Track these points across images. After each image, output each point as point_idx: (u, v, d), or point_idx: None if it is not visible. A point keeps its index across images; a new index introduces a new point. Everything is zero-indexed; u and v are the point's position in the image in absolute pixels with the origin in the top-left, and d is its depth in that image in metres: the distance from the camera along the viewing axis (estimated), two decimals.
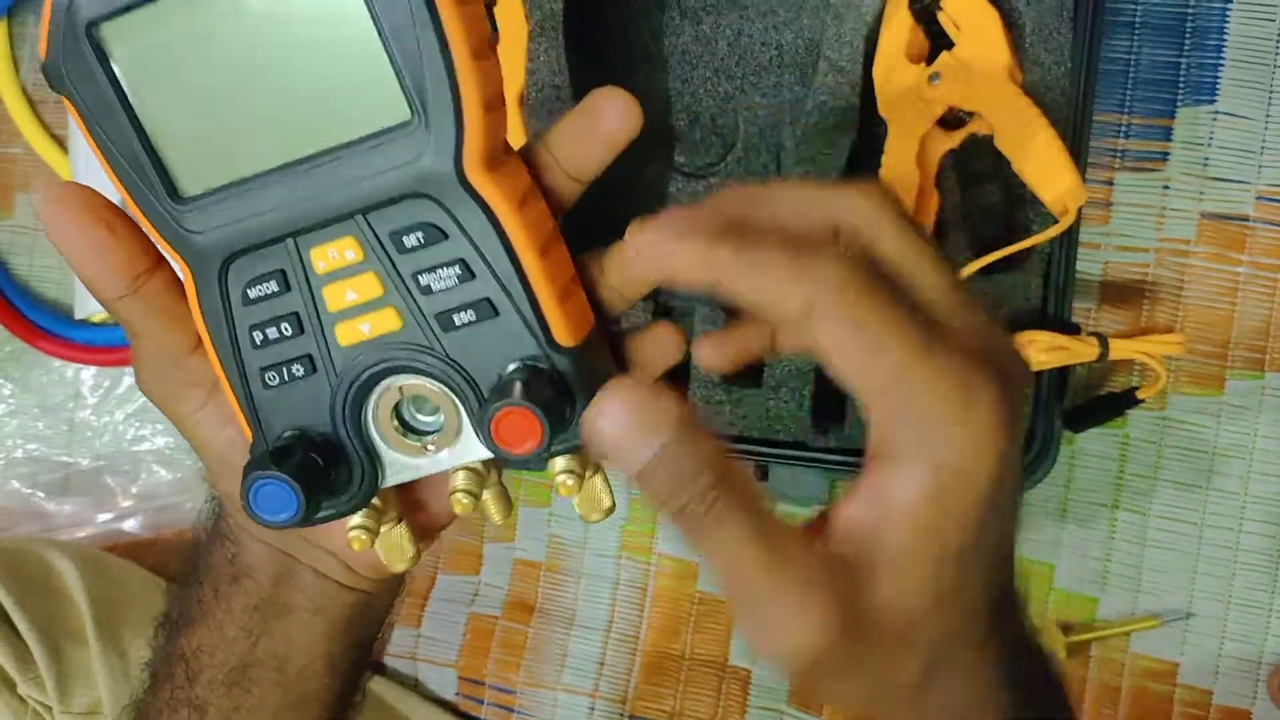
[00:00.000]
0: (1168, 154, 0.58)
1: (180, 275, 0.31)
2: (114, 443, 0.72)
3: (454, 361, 0.30)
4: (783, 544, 0.26)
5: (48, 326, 0.72)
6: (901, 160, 0.52)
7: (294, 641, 0.38)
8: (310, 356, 0.30)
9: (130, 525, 0.72)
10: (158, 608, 0.62)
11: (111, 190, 0.30)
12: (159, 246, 0.30)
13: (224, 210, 0.29)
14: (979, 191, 0.55)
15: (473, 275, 0.29)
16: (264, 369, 0.31)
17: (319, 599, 0.38)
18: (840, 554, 0.27)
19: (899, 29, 0.52)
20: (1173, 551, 0.58)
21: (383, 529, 0.34)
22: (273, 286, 0.30)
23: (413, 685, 0.67)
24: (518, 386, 0.28)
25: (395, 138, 0.28)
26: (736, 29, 0.58)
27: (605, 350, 0.31)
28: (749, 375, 0.57)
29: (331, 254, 0.29)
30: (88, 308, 0.70)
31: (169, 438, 0.72)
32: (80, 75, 0.28)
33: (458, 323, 0.29)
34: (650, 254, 0.28)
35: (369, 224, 0.29)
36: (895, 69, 0.53)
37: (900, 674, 0.28)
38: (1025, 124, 0.50)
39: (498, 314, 0.29)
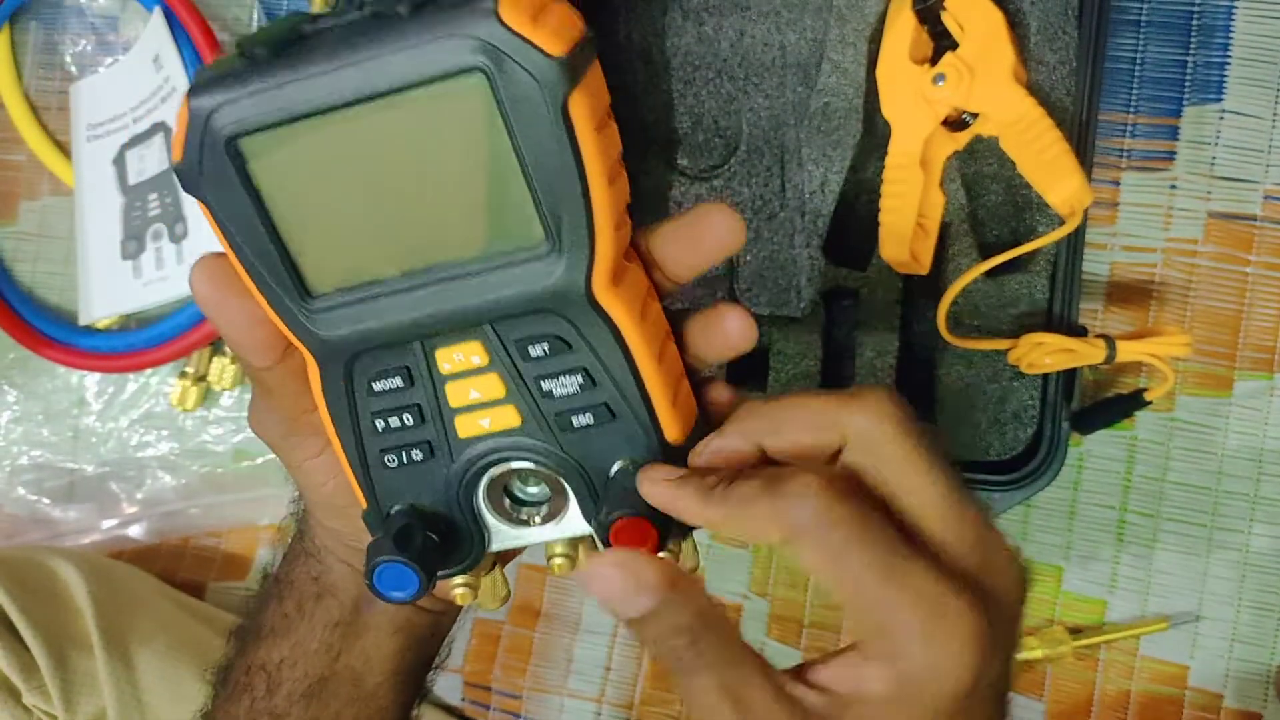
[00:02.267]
0: (1174, 153, 0.57)
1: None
2: (119, 449, 0.72)
3: (569, 456, 0.32)
4: (752, 695, 0.29)
5: (52, 333, 0.72)
6: (906, 162, 0.52)
7: (371, 658, 0.41)
8: (429, 443, 0.32)
9: (135, 531, 0.72)
10: (163, 615, 0.63)
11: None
12: (287, 337, 0.31)
13: (352, 311, 0.30)
14: (984, 193, 0.54)
15: (594, 383, 0.31)
16: (383, 451, 0.32)
17: (397, 619, 0.41)
18: (807, 707, 0.29)
19: (902, 30, 0.52)
20: (1182, 554, 0.57)
21: (481, 578, 0.36)
22: (397, 382, 0.31)
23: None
24: (635, 496, 0.31)
25: (527, 257, 0.28)
26: (739, 30, 0.58)
27: (704, 429, 0.33)
28: (754, 378, 0.57)
29: (457, 357, 0.31)
30: (92, 314, 0.70)
31: (173, 443, 0.72)
32: (217, 182, 0.28)
33: (576, 425, 0.31)
34: (658, 499, 0.31)
35: (496, 332, 0.30)
36: (899, 70, 0.52)
37: None
38: (1030, 125, 0.49)
39: (615, 417, 0.31)
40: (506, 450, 0.32)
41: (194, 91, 0.27)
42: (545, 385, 0.31)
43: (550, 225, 0.28)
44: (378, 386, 0.31)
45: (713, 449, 0.32)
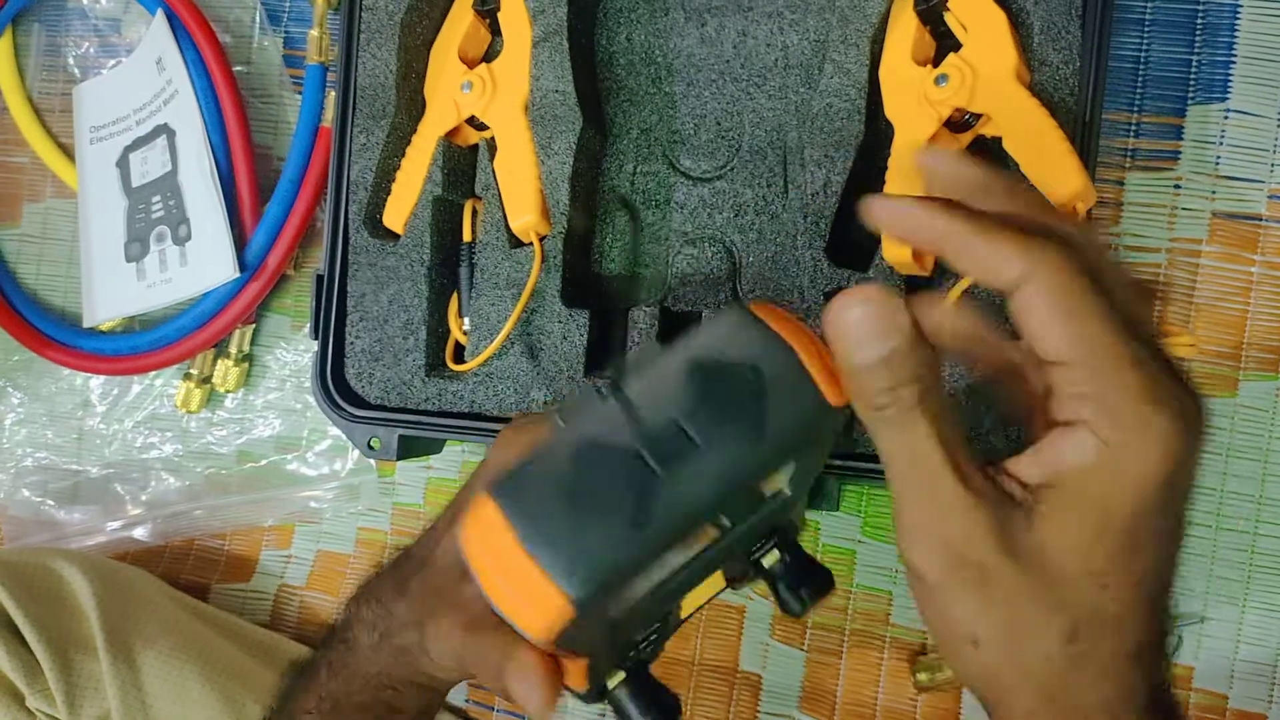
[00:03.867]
0: (1179, 153, 0.57)
1: None
2: (123, 451, 0.73)
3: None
4: (961, 457, 0.30)
5: (56, 335, 0.72)
6: (908, 163, 0.52)
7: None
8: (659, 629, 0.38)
9: (140, 533, 0.72)
10: (168, 616, 0.63)
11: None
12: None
13: (618, 601, 0.32)
14: None
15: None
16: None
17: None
18: (1008, 491, 0.30)
19: (905, 30, 0.52)
20: (1187, 554, 0.57)
21: None
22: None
23: None
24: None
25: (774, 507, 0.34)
26: (741, 31, 0.58)
27: None
28: None
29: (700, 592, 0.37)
30: (95, 316, 0.70)
31: (178, 445, 0.72)
32: None
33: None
34: (887, 214, 0.31)
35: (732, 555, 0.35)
36: (901, 71, 0.52)
37: (1041, 627, 0.30)
38: (1033, 125, 0.49)
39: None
40: None
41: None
42: (754, 556, 0.37)
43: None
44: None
45: (901, 208, 0.31)
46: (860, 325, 0.29)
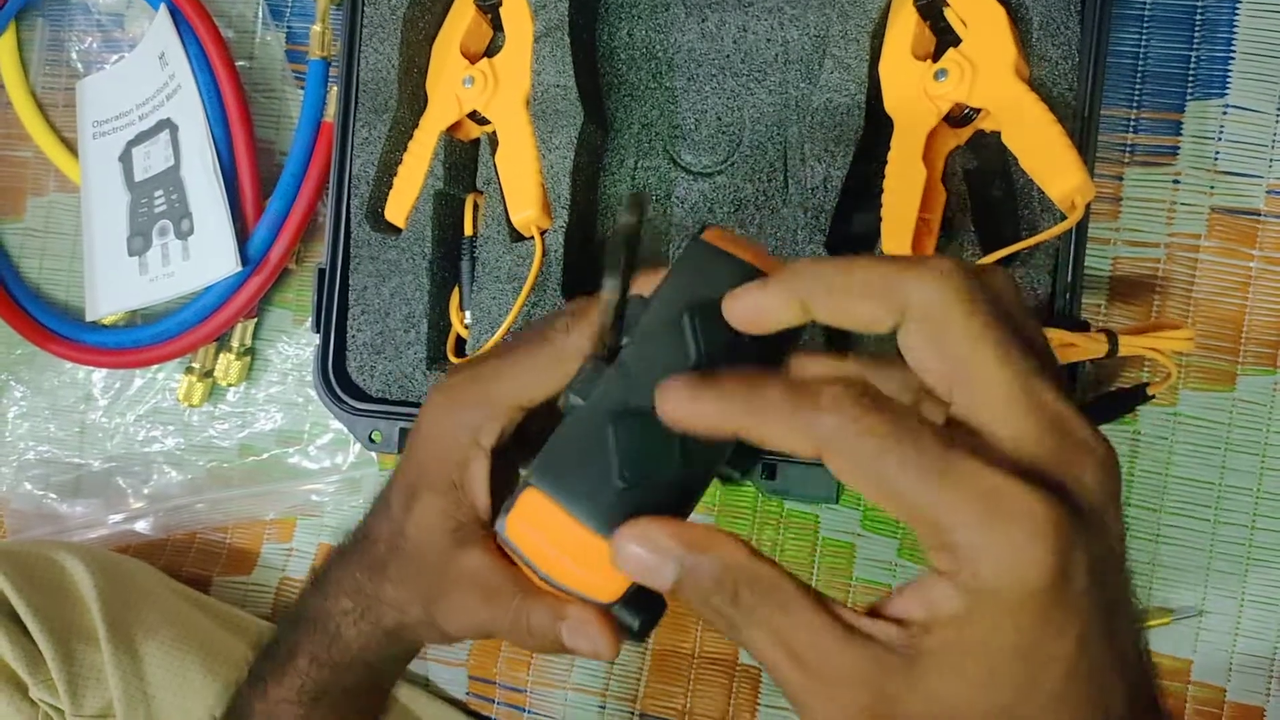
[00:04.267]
0: (1177, 148, 0.57)
1: None
2: (125, 444, 0.73)
3: None
4: (808, 640, 0.28)
5: (58, 329, 0.72)
6: (908, 158, 0.52)
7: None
8: None
9: (142, 526, 0.72)
10: (169, 608, 0.63)
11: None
12: None
13: None
14: (986, 188, 0.54)
15: None
16: None
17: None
18: (882, 641, 0.28)
19: (905, 26, 0.52)
20: (1185, 548, 0.57)
21: None
22: None
23: (423, 684, 0.67)
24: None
25: None
26: (741, 26, 0.58)
27: None
28: None
29: None
30: (98, 310, 0.70)
31: (179, 439, 0.72)
32: None
33: None
34: (676, 415, 0.30)
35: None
36: (901, 66, 0.52)
37: None
38: (1032, 121, 0.49)
39: None
40: None
41: None
42: None
43: None
44: None
45: (752, 302, 0.31)
46: (636, 567, 0.30)
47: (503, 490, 0.40)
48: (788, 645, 0.28)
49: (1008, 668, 0.27)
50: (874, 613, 0.29)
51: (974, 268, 0.28)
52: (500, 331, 0.55)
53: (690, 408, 0.30)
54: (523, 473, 0.34)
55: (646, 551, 0.30)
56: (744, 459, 0.34)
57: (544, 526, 0.33)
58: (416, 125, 0.59)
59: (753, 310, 0.31)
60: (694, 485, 0.33)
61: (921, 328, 0.28)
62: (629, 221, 0.33)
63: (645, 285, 0.35)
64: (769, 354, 0.33)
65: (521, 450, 0.41)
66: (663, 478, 0.32)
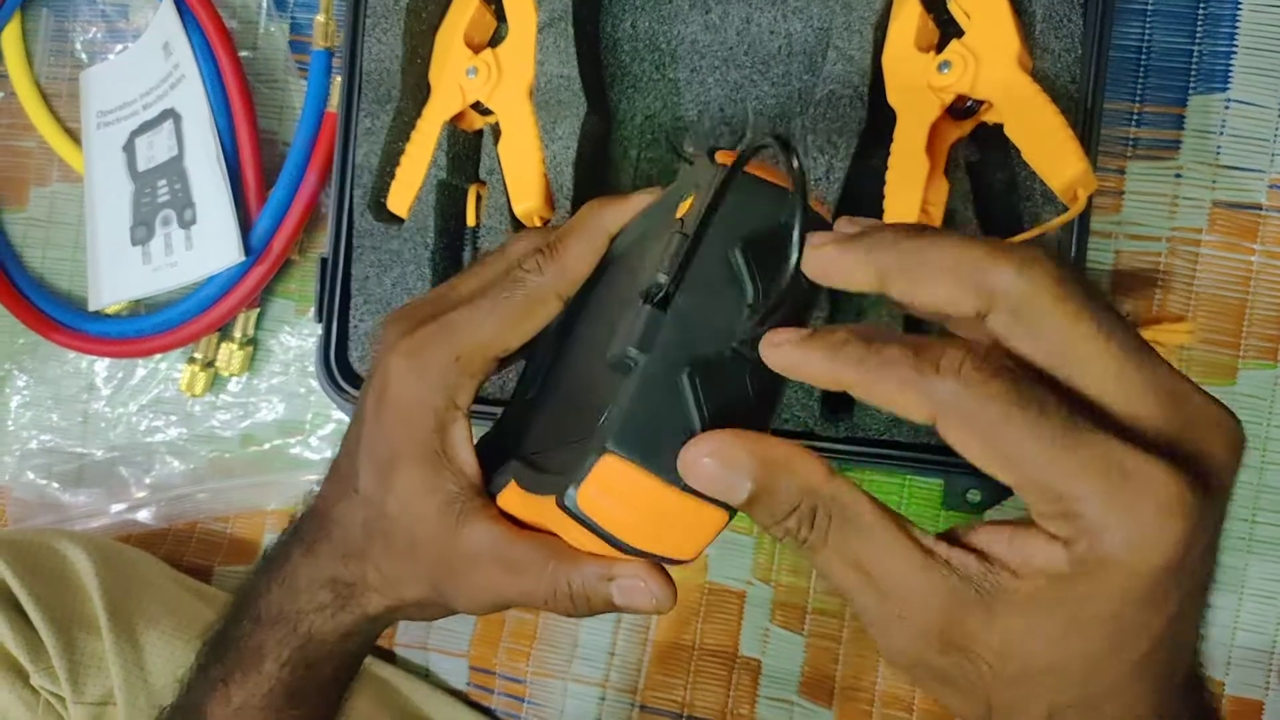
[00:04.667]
0: (1180, 142, 0.57)
1: None
2: (128, 434, 0.73)
3: None
4: (885, 563, 0.28)
5: (62, 318, 0.72)
6: (911, 149, 0.52)
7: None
8: None
9: (144, 516, 0.72)
10: (170, 597, 0.63)
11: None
12: None
13: None
14: (989, 180, 0.54)
15: None
16: None
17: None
18: (959, 570, 0.27)
19: (908, 17, 0.52)
20: None
21: None
22: None
23: (424, 675, 0.67)
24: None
25: None
26: (745, 17, 0.58)
27: None
28: None
29: None
30: (101, 299, 0.70)
31: (182, 428, 0.72)
32: None
33: None
34: (785, 365, 0.29)
35: None
36: (905, 57, 0.52)
37: (1018, 712, 0.28)
38: (1035, 112, 0.49)
39: None
40: None
41: None
42: None
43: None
44: None
45: (832, 259, 0.29)
46: (707, 480, 0.29)
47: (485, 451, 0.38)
48: (863, 568, 0.28)
49: (1096, 631, 0.26)
50: (954, 540, 0.28)
51: (1063, 259, 0.28)
52: None
53: (801, 360, 0.29)
54: (576, 447, 0.32)
55: (719, 465, 0.29)
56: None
57: (623, 492, 0.31)
58: (419, 115, 0.60)
59: (831, 267, 0.29)
60: (768, 417, 0.32)
61: (1014, 317, 0.27)
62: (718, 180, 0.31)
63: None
64: (818, 293, 0.32)
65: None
66: (740, 421, 0.31)
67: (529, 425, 0.41)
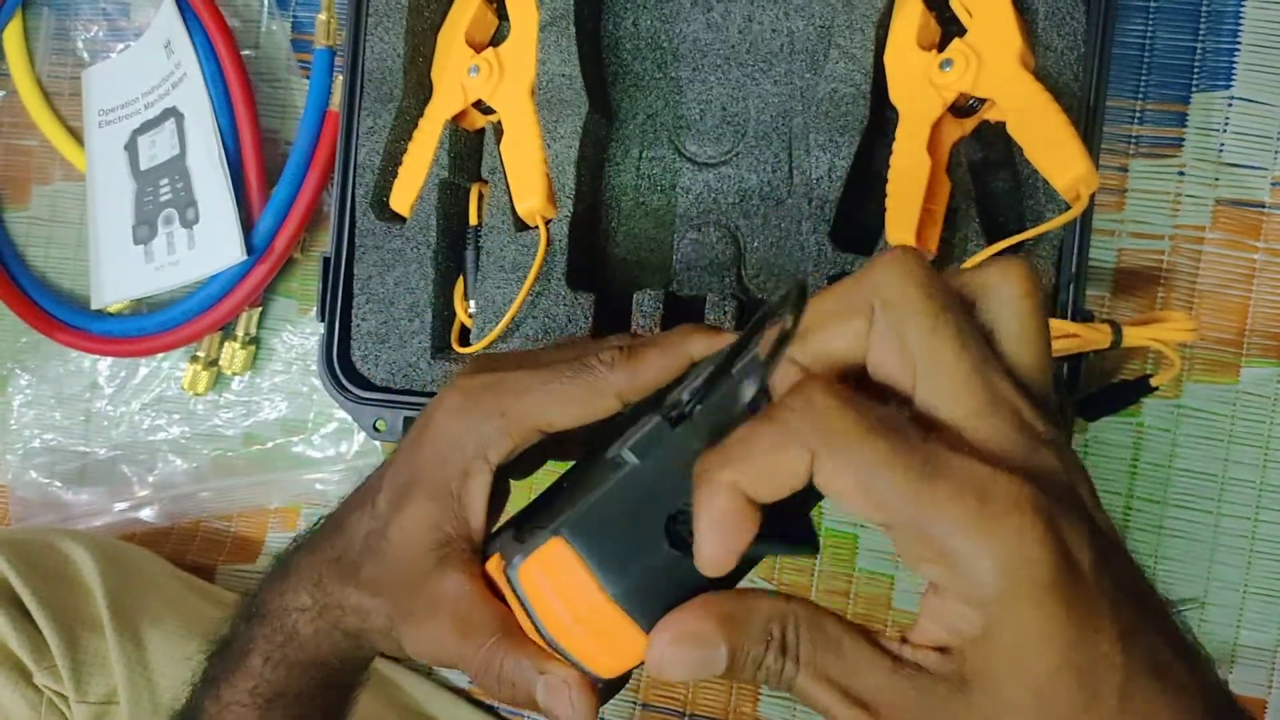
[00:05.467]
0: (1183, 140, 0.57)
1: None
2: (130, 433, 0.73)
3: None
4: (860, 677, 0.27)
5: (64, 317, 0.72)
6: (913, 148, 0.52)
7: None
8: None
9: (146, 514, 0.72)
10: (173, 596, 0.63)
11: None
12: None
13: None
14: (991, 178, 0.54)
15: None
16: None
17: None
18: (928, 669, 0.27)
19: (910, 15, 0.52)
20: (1188, 540, 0.58)
21: None
22: None
23: (427, 673, 0.67)
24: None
25: None
26: (747, 15, 0.58)
27: None
28: None
29: None
30: (103, 298, 0.70)
31: (184, 427, 0.72)
32: None
33: None
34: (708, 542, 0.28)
35: None
36: (907, 56, 0.52)
37: None
38: (1037, 110, 0.49)
39: None
40: None
41: None
42: None
43: None
44: None
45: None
46: (684, 667, 0.28)
47: (494, 510, 0.38)
48: (841, 687, 0.27)
49: (1054, 680, 0.25)
50: (910, 641, 0.27)
51: (925, 259, 0.27)
52: (504, 321, 0.55)
53: (709, 504, 0.27)
54: (542, 527, 0.31)
55: (694, 650, 0.28)
56: (791, 527, 0.31)
57: (562, 583, 0.30)
58: (421, 114, 0.60)
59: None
60: (743, 573, 0.30)
61: (881, 324, 0.27)
62: (786, 316, 0.27)
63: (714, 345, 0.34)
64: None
65: (514, 467, 0.38)
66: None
67: (536, 504, 0.41)
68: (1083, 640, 0.25)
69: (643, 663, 0.30)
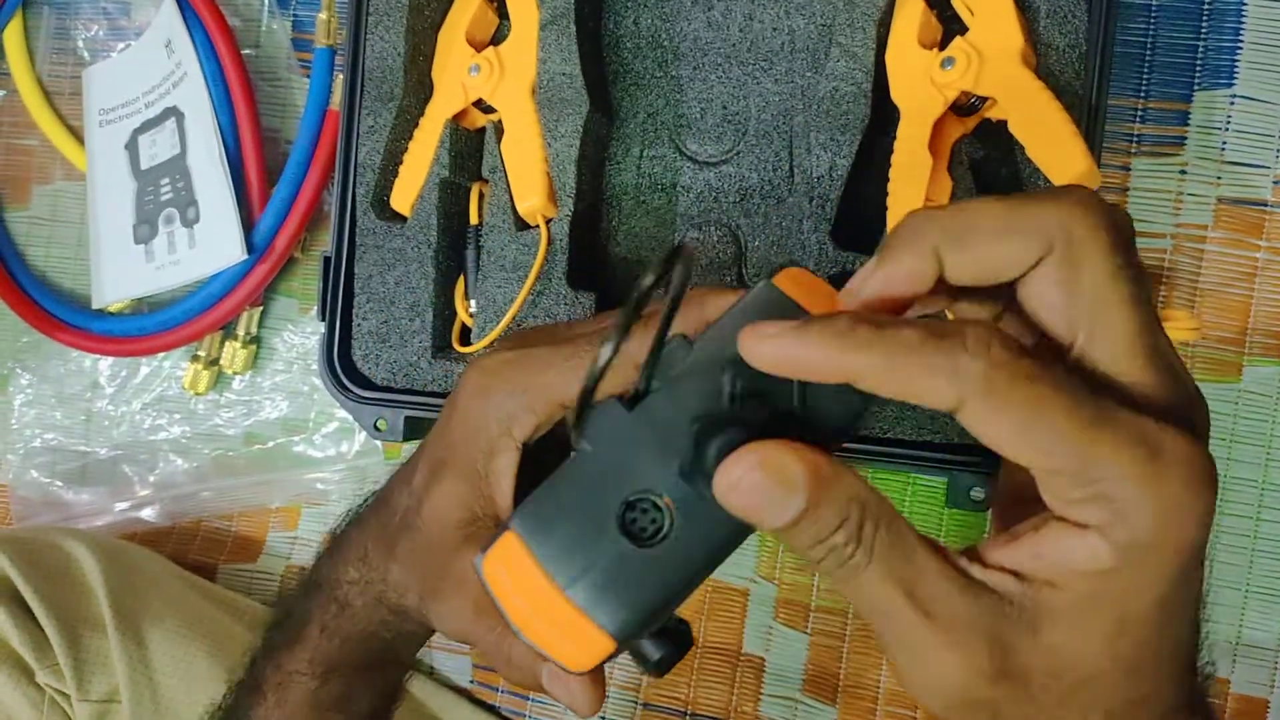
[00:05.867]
0: (1184, 139, 0.57)
1: None
2: (131, 432, 0.73)
3: None
4: (929, 584, 0.26)
5: (65, 317, 0.72)
6: (914, 146, 0.52)
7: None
8: None
9: (148, 514, 0.72)
10: (175, 595, 0.63)
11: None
12: None
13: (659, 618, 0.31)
14: (993, 177, 0.54)
15: None
16: None
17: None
18: (999, 592, 0.27)
19: (912, 14, 0.52)
20: None
21: None
22: None
23: (428, 673, 0.67)
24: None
25: None
26: (747, 14, 0.58)
27: None
28: None
29: None
30: (104, 298, 0.70)
31: (185, 427, 0.72)
32: None
33: None
34: (775, 355, 0.26)
35: None
36: (908, 54, 0.52)
37: None
38: (1039, 109, 0.49)
39: None
40: None
41: None
42: None
43: None
44: None
45: (882, 275, 0.27)
46: (754, 495, 0.26)
47: (527, 487, 0.38)
48: (910, 590, 0.26)
49: (1143, 620, 0.26)
50: (980, 560, 0.27)
51: (1111, 206, 0.27)
52: (505, 320, 0.55)
53: (799, 351, 0.26)
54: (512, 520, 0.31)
55: (769, 480, 0.26)
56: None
57: (518, 577, 0.29)
58: (422, 113, 0.59)
59: (885, 281, 0.27)
60: (700, 566, 0.29)
61: (1062, 261, 0.26)
62: (679, 273, 0.26)
63: (701, 318, 0.32)
64: (820, 430, 0.28)
65: (556, 452, 0.38)
66: (656, 551, 0.29)
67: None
68: (1182, 591, 0.26)
69: (615, 654, 0.30)
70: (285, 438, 0.70)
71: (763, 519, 0.26)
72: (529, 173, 0.56)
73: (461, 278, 0.60)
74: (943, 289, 0.28)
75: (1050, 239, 0.26)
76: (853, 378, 0.26)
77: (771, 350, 0.26)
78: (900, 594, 0.26)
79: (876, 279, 0.27)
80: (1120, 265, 0.26)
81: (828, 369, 0.26)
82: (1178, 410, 0.26)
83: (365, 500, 0.43)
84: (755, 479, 0.26)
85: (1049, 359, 0.26)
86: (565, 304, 0.55)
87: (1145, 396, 0.26)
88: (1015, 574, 0.27)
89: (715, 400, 0.28)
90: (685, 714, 0.63)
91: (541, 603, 0.29)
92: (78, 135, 0.74)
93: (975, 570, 0.27)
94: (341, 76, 0.61)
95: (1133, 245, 0.27)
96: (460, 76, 0.58)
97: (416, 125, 0.59)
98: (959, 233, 0.26)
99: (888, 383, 0.25)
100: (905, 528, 0.27)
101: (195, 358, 0.70)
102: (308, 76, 0.68)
